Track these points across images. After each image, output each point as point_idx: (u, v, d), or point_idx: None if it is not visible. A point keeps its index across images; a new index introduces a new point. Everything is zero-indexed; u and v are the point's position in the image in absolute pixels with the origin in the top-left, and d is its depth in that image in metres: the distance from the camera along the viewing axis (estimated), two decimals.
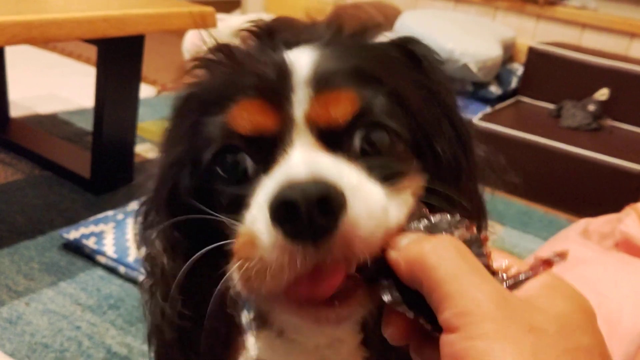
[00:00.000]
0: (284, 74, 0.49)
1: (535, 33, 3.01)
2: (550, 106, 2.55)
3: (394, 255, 0.42)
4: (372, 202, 0.44)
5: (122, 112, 1.74)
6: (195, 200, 0.52)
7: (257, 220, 0.43)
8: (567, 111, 2.41)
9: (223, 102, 0.50)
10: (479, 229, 0.42)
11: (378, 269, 0.43)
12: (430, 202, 0.49)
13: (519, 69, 2.79)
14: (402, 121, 0.51)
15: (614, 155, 2.07)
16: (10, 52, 2.07)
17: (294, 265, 0.41)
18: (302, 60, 0.50)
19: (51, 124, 2.22)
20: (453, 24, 2.71)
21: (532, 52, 2.63)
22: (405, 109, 0.52)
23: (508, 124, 2.24)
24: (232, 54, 0.54)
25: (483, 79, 2.61)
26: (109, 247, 1.41)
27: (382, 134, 0.50)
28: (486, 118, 2.31)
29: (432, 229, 0.44)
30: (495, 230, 0.69)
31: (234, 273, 0.45)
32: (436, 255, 0.39)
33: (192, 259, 0.50)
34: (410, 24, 2.67)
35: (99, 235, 1.44)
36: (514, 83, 2.77)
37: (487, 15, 3.12)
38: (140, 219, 0.60)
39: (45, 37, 1.31)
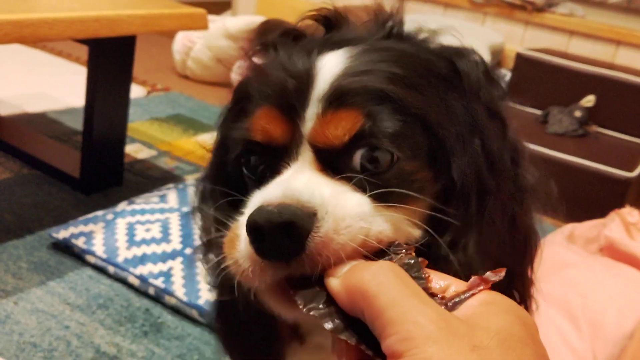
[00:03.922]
0: (304, 86, 0.50)
1: (523, 39, 3.04)
2: (537, 112, 2.58)
3: (334, 283, 0.42)
4: (347, 213, 0.46)
5: (113, 112, 1.73)
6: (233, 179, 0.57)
7: (242, 226, 0.46)
8: (554, 117, 2.43)
9: (252, 105, 0.54)
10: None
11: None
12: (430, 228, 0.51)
13: (506, 74, 2.82)
14: (414, 142, 0.51)
15: (600, 161, 2.10)
16: None
17: (264, 276, 0.46)
18: (327, 71, 0.51)
19: (40, 123, 2.21)
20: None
21: (520, 58, 2.65)
22: (424, 128, 0.52)
23: None
24: (274, 53, 0.57)
25: None
26: (98, 247, 1.41)
27: (383, 154, 0.50)
28: None
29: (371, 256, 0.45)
30: None
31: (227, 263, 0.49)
32: (376, 282, 0.38)
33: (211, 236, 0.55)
34: None
35: (89, 235, 1.44)
36: None
37: (476, 21, 3.14)
38: (197, 192, 0.65)
39: (36, 36, 1.31)
